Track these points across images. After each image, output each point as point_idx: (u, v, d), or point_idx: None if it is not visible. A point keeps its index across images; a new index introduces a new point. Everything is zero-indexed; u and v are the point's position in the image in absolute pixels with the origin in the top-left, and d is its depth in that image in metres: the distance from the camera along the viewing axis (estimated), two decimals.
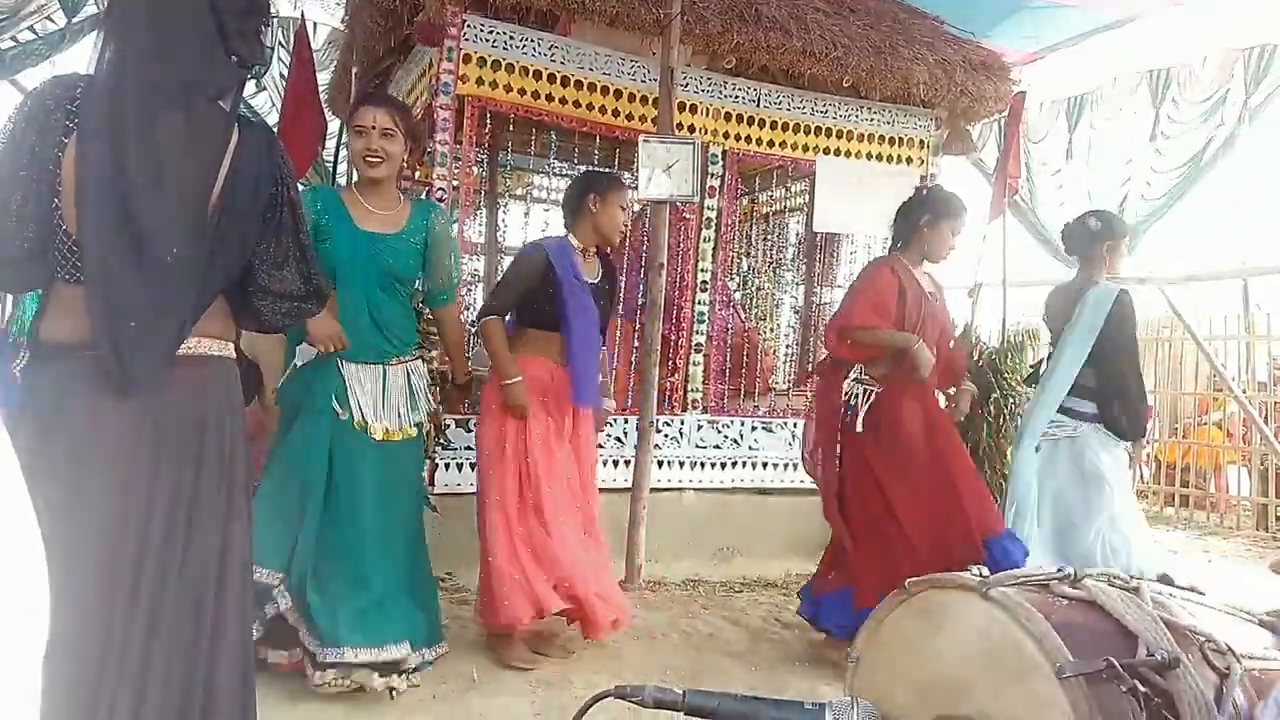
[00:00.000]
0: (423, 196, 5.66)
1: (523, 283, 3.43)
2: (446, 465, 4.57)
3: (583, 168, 7.78)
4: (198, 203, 1.66)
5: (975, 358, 5.36)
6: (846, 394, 3.75)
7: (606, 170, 3.75)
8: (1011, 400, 5.20)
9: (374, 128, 2.91)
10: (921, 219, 3.66)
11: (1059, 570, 1.62)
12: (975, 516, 3.43)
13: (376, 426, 3.02)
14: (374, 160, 2.91)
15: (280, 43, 8.03)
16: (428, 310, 3.40)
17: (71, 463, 1.56)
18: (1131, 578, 1.65)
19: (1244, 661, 1.51)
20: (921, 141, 5.77)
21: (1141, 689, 1.39)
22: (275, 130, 4.14)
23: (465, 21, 4.55)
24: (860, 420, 3.59)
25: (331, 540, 2.93)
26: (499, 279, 3.57)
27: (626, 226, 3.58)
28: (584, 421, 3.59)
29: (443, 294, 3.26)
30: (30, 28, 7.38)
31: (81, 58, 7.27)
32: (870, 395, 3.63)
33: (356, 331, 2.96)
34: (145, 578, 1.59)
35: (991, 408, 5.20)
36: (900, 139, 5.71)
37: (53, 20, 7.35)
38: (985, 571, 1.59)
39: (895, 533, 3.44)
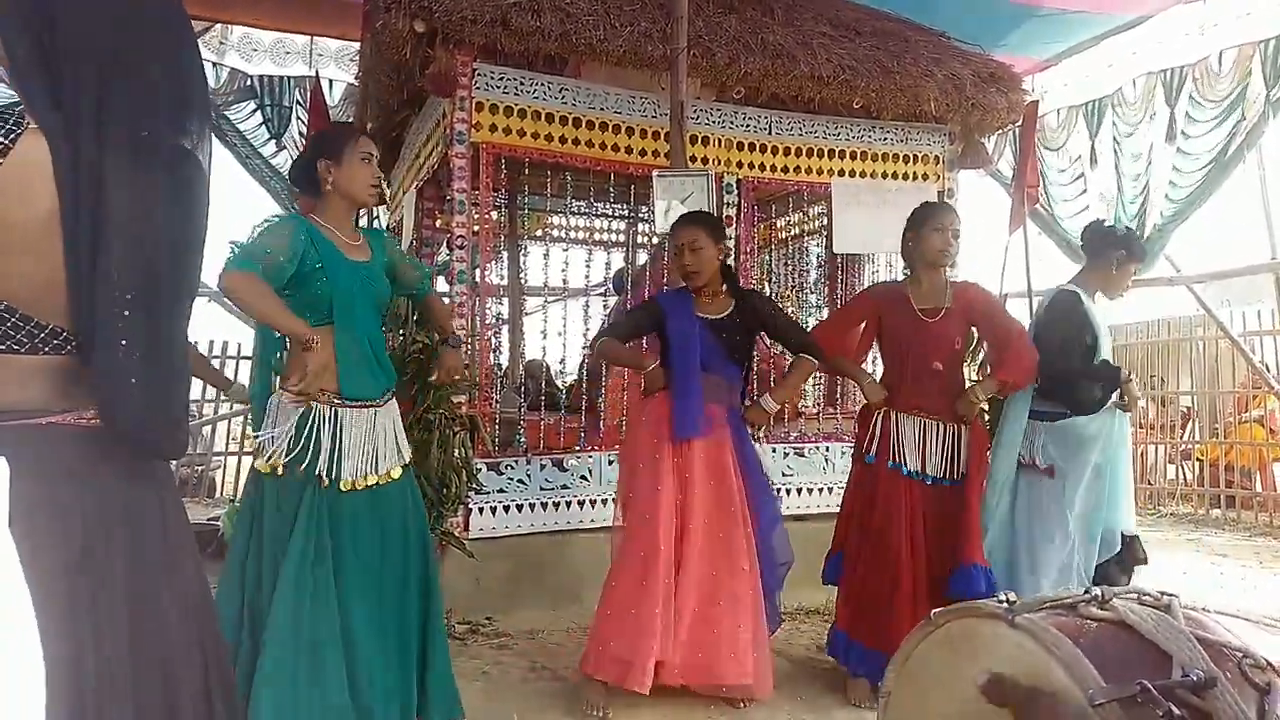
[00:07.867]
0: (445, 244, 5.76)
1: (637, 316, 3.73)
2: (481, 510, 4.58)
3: (600, 205, 7.88)
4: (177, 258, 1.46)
5: None
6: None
7: (678, 221, 3.74)
8: None
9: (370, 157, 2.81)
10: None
11: (1086, 592, 1.59)
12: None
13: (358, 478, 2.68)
14: (376, 190, 2.79)
15: (298, 101, 8.21)
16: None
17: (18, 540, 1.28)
18: (1163, 594, 1.62)
19: None
20: (936, 158, 5.76)
21: (1178, 712, 1.36)
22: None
23: (476, 70, 4.63)
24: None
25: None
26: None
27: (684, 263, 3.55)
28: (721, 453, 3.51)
29: (421, 285, 3.09)
30: None
31: None
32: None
33: (351, 369, 2.68)
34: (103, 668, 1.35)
35: None
36: (914, 156, 5.71)
37: None
38: (1011, 597, 1.57)
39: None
